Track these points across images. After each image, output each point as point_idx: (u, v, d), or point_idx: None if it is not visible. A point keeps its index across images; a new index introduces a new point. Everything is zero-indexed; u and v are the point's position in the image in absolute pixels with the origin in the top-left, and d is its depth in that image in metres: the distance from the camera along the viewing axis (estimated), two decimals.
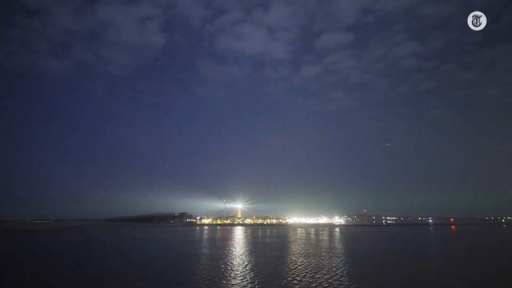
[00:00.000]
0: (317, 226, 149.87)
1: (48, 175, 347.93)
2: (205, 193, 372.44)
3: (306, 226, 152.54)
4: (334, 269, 19.30)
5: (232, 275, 17.29)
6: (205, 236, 64.89)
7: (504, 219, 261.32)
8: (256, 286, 14.44)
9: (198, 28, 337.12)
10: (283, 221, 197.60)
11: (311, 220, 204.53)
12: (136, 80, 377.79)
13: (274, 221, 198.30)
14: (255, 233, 77.86)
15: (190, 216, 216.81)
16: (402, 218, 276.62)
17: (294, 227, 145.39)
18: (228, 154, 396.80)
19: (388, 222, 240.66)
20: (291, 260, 23.51)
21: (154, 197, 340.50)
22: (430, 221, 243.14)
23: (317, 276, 16.87)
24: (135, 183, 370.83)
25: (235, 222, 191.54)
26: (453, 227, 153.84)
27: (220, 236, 62.68)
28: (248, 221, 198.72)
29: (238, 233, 75.08)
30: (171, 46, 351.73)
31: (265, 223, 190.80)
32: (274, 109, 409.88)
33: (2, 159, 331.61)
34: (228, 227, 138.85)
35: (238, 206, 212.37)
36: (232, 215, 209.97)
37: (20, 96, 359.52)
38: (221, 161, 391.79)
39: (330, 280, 15.68)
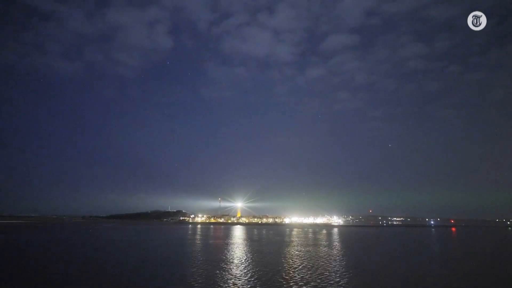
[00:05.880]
0: (314, 227, 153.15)
1: (55, 173, 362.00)
2: (206, 191, 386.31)
3: (303, 226, 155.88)
4: None
5: None
6: (176, 237, 67.56)
7: (509, 222, 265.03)
8: None
9: (204, 30, 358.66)
10: (280, 221, 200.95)
11: (309, 220, 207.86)
12: (144, 81, 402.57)
13: (271, 220, 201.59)
14: (232, 236, 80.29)
15: (185, 214, 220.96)
16: (409, 219, 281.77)
17: (291, 227, 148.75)
18: (232, 154, 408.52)
19: (395, 223, 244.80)
20: None
21: (156, 195, 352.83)
22: (432, 222, 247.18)
23: None
24: (138, 181, 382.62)
25: (229, 221, 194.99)
26: (453, 229, 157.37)
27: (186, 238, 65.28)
28: (243, 219, 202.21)
29: (215, 236, 77.44)
30: (178, 48, 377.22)
31: (260, 222, 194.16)
32: (279, 110, 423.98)
33: (13, 157, 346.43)
34: (223, 226, 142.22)
35: (238, 204, 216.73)
36: (231, 213, 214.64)
37: (33, 96, 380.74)
38: (225, 160, 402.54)
39: None
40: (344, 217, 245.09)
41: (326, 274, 21.49)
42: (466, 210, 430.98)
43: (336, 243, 51.65)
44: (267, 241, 52.38)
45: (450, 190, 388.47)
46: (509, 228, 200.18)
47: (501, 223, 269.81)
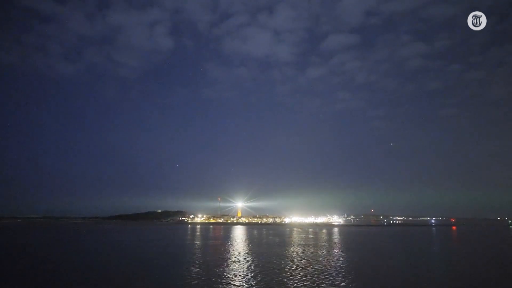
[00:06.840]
0: (314, 226, 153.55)
1: (56, 174, 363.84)
2: (206, 191, 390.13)
3: (303, 226, 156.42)
4: None
5: None
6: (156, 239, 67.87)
7: (511, 220, 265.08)
8: None
9: (205, 31, 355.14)
10: (280, 220, 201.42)
11: (309, 220, 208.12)
12: (145, 82, 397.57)
13: (271, 220, 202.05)
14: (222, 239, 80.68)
15: (184, 214, 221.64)
16: (410, 218, 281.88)
17: (291, 227, 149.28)
18: (232, 153, 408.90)
19: (396, 222, 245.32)
20: None
21: (156, 195, 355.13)
22: (433, 221, 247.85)
23: None
24: (139, 181, 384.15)
25: (229, 221, 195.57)
26: (454, 227, 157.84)
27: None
28: (243, 219, 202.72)
29: (202, 236, 77.70)
30: (179, 49, 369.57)
31: (260, 222, 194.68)
32: (280, 110, 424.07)
33: (16, 158, 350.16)
34: (222, 226, 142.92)
35: (238, 204, 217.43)
36: (231, 213, 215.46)
37: (34, 97, 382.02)
38: (225, 160, 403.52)
39: None
40: (345, 217, 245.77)
41: (301, 275, 22.99)
42: (467, 209, 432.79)
43: (332, 243, 52.06)
44: (266, 242, 52.86)
45: (451, 188, 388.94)
46: (511, 226, 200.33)
47: (503, 222, 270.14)
